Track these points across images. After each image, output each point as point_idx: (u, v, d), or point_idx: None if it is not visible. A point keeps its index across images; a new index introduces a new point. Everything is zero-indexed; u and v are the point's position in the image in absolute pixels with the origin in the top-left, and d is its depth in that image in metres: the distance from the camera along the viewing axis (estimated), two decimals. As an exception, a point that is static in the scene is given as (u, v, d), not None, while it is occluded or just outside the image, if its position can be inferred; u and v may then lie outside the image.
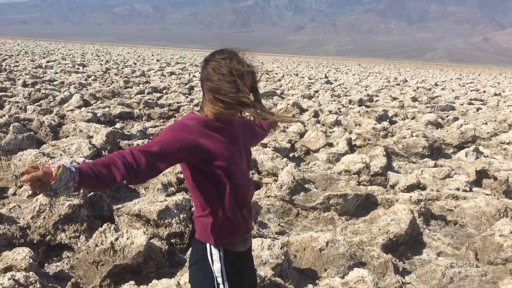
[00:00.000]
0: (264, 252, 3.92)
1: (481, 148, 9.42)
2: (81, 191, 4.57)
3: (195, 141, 1.95)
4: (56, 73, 21.92)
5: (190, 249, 2.28)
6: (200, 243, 2.15)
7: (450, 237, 5.40)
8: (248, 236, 2.25)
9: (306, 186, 6.19)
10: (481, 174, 7.58)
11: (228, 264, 2.13)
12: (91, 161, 1.68)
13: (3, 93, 12.57)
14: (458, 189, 6.55)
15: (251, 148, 2.39)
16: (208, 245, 2.12)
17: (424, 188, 6.77)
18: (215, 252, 2.11)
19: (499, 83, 41.97)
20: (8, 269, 3.48)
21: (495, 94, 25.25)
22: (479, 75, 65.46)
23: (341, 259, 4.23)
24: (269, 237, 4.81)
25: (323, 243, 4.34)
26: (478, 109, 17.67)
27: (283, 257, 3.94)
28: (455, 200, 6.06)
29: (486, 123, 12.63)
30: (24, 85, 15.51)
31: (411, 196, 5.87)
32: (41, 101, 12.40)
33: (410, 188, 6.69)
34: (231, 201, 2.08)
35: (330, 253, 4.28)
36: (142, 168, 1.79)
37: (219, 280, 2.11)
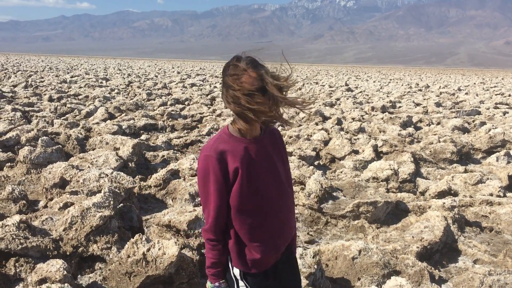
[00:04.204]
0: (296, 261, 3.85)
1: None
2: (111, 202, 4.60)
3: (224, 171, 1.91)
4: (81, 87, 22.33)
5: None
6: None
7: (486, 244, 5.23)
8: (276, 249, 2.13)
9: (334, 194, 6.10)
10: (514, 179, 7.37)
11: (252, 282, 2.08)
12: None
13: (30, 108, 12.87)
14: (491, 194, 6.37)
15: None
16: (230, 263, 2.09)
17: (455, 194, 6.60)
18: (236, 271, 2.07)
19: (524, 86, 41.02)
20: (43, 281, 3.49)
21: (521, 98, 24.69)
22: (502, 79, 64.13)
23: (374, 268, 4.13)
24: (299, 246, 4.74)
25: (355, 252, 4.25)
26: (504, 113, 17.26)
27: (315, 266, 3.87)
28: (489, 206, 5.89)
29: (515, 127, 12.32)
30: (50, 100, 15.86)
31: (444, 203, 5.72)
32: (67, 115, 12.63)
33: (441, 195, 6.53)
34: (256, 222, 2.02)
35: (363, 262, 4.19)
36: (217, 238, 2.02)
37: None
